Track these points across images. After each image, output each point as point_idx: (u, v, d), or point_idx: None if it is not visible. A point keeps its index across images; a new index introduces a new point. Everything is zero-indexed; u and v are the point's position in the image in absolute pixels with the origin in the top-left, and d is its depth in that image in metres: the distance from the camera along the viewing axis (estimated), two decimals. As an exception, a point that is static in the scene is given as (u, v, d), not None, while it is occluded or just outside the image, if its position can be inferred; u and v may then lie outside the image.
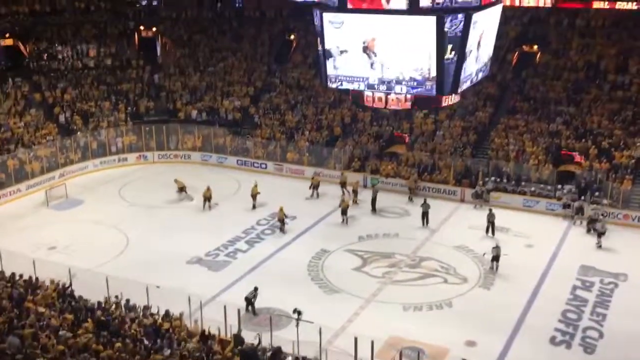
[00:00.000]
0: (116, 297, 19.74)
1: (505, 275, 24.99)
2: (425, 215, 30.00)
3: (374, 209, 31.65)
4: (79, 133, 38.83)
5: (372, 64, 18.11)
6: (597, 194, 31.03)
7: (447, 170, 34.03)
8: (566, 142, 33.88)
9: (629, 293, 23.75)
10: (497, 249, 25.46)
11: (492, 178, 33.07)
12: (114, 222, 30.42)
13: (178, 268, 25.61)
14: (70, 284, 20.52)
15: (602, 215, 29.07)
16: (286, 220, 29.31)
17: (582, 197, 30.76)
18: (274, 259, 26.69)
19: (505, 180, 33.01)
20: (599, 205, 29.86)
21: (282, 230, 29.02)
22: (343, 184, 33.64)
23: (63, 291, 19.88)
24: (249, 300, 21.86)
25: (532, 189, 32.24)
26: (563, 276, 24.96)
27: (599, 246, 27.56)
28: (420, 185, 33.51)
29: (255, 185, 32.60)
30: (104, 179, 36.75)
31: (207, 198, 31.79)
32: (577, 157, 32.99)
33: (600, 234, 27.72)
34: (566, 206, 30.64)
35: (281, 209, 29.33)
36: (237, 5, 50.65)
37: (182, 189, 33.30)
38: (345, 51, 18.32)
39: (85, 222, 30.62)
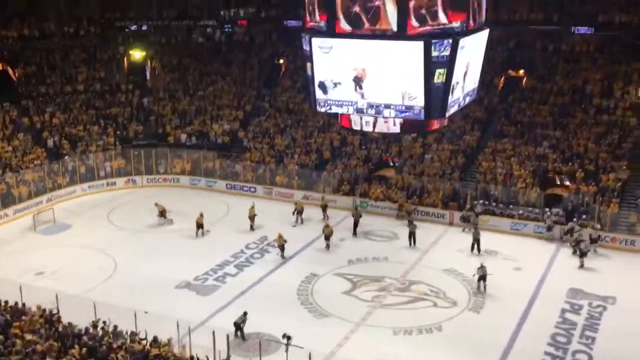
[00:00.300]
0: (104, 322, 19.52)
1: (494, 299, 24.96)
2: (412, 236, 30.17)
3: (354, 233, 31.56)
4: (67, 157, 38.67)
5: (362, 95, 18.26)
6: (584, 217, 31.20)
7: (436, 194, 34.13)
8: (553, 166, 34.11)
9: (618, 316, 23.76)
10: (482, 268, 25.56)
11: (481, 201, 33.19)
12: (102, 246, 30.20)
13: (166, 293, 25.38)
14: (58, 310, 20.28)
15: (593, 236, 29.16)
16: (286, 245, 28.96)
17: (574, 219, 30.89)
18: (263, 283, 26.53)
19: (493, 203, 33.13)
20: (581, 228, 30.00)
21: (282, 256, 28.73)
22: (324, 208, 33.59)
23: (50, 317, 19.64)
24: (238, 325, 21.67)
25: (520, 212, 32.36)
26: (552, 299, 24.97)
27: (581, 266, 27.82)
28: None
29: (252, 207, 32.51)
30: (92, 203, 36.54)
31: (200, 225, 31.48)
32: (565, 182, 33.16)
33: (583, 254, 27.96)
34: (550, 228, 30.78)
35: (280, 236, 29.01)
36: (226, 30, 50.97)
37: (162, 212, 33.02)
38: (339, 83, 18.45)
39: (73, 246, 30.37)
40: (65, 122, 41.57)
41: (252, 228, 32.00)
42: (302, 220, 33.07)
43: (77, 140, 40.27)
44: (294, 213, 32.99)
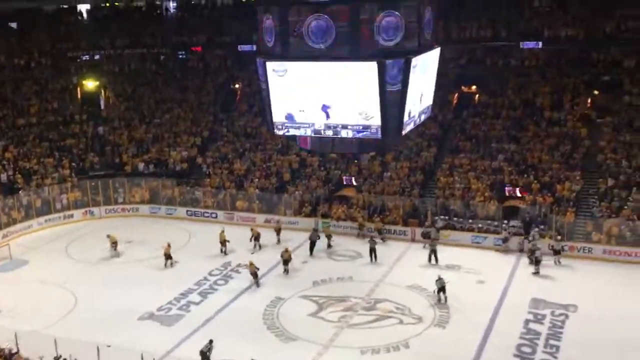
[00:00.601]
0: (65, 359, 19.01)
1: (459, 313, 25.11)
2: (372, 252, 30.45)
3: (311, 253, 31.55)
4: (21, 192, 37.78)
5: (327, 115, 18.38)
6: (542, 227, 31.74)
7: (397, 211, 34.36)
8: (509, 179, 34.69)
9: (580, 323, 24.12)
10: (440, 280, 25.96)
11: (441, 216, 33.52)
12: (60, 280, 29.46)
13: (129, 325, 24.85)
14: (18, 349, 19.68)
15: (556, 247, 29.63)
16: (257, 271, 28.46)
17: (535, 230, 31.38)
18: (228, 310, 26.21)
19: (454, 218, 33.48)
20: (539, 238, 30.54)
21: (257, 284, 28.16)
22: (278, 231, 33.36)
23: (9, 356, 19.04)
24: (204, 354, 21.34)
25: (480, 225, 32.78)
26: (515, 310, 25.24)
27: (536, 272, 28.55)
28: (383, 226, 33.55)
29: (222, 232, 32.24)
30: (50, 237, 35.71)
31: (168, 255, 30.84)
32: (519, 192, 33.75)
33: (538, 262, 28.66)
34: (506, 240, 31.23)
35: (251, 263, 28.45)
36: (180, 56, 50.83)
37: (114, 244, 32.36)
38: (303, 110, 18.52)
39: (30, 282, 29.54)
40: (18, 156, 40.69)
41: (224, 252, 31.80)
42: (259, 246, 32.61)
43: (32, 174, 39.42)
44: (251, 239, 32.56)
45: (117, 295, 27.65)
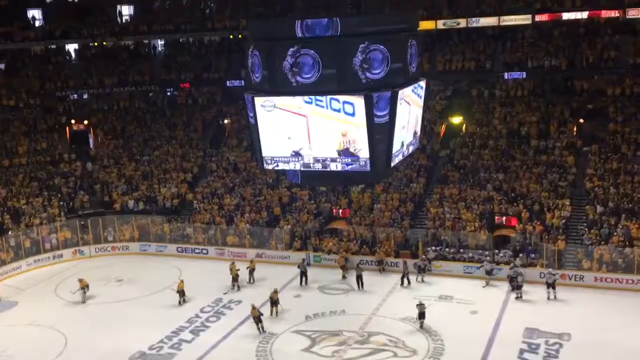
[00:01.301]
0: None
1: (453, 344, 24.92)
2: (359, 279, 30.67)
3: (301, 283, 31.72)
4: (10, 232, 37.43)
5: (310, 149, 18.42)
6: (532, 255, 31.72)
7: (388, 243, 34.29)
8: (499, 207, 34.77)
9: (575, 352, 24.01)
10: (421, 305, 26.29)
11: (432, 247, 33.46)
12: (50, 322, 29.02)
13: (120, 365, 24.50)
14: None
15: (549, 280, 29.27)
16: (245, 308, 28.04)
17: (519, 257, 31.33)
18: (220, 348, 25.87)
19: (446, 249, 33.41)
20: (520, 266, 30.57)
21: (262, 330, 26.68)
22: (251, 271, 32.63)
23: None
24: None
25: (471, 255, 32.74)
26: (509, 340, 25.07)
27: (519, 297, 28.94)
28: (385, 259, 33.56)
29: (233, 264, 31.99)
30: (39, 277, 35.26)
31: (182, 292, 30.23)
32: (511, 221, 33.82)
33: (518, 287, 29.06)
34: (489, 272, 31.09)
35: (254, 307, 27.26)
36: (168, 93, 51.02)
37: (84, 288, 31.37)
38: (301, 150, 18.61)
39: (20, 325, 29.08)
40: (7, 197, 40.42)
41: (237, 288, 31.46)
42: (238, 287, 31.67)
43: (21, 214, 39.13)
44: (232, 281, 31.79)
45: (108, 335, 27.26)
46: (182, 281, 30.86)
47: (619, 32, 40.40)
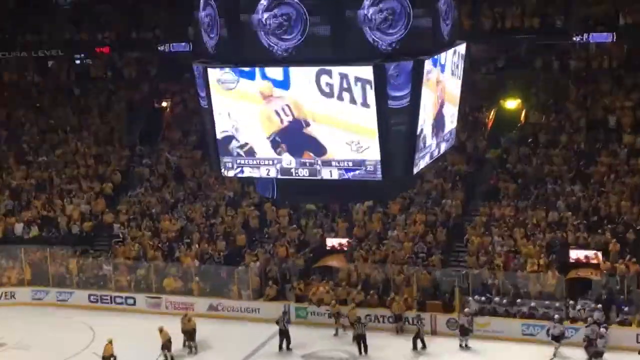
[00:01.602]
0: None
1: None
2: (361, 341, 31.13)
3: (280, 347, 32.15)
4: None
5: (287, 149, 18.42)
6: (625, 308, 31.77)
7: (408, 289, 34.28)
8: (575, 237, 34.81)
9: None
10: None
11: (475, 297, 33.48)
12: None
13: None
14: None
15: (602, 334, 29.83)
16: None
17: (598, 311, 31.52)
18: None
19: (496, 299, 33.45)
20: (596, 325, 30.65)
21: None
22: (190, 334, 32.59)
23: None
24: None
25: (533, 306, 32.76)
26: None
27: None
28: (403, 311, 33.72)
29: (161, 330, 31.53)
30: None
31: (112, 356, 30.31)
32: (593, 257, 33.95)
33: (599, 354, 29.22)
34: (558, 338, 30.96)
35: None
36: (78, 61, 50.79)
37: None
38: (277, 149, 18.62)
39: None
40: None
41: (192, 350, 32.02)
42: (172, 357, 31.70)
43: None
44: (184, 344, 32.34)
45: None
46: (110, 342, 30.63)
47: None
